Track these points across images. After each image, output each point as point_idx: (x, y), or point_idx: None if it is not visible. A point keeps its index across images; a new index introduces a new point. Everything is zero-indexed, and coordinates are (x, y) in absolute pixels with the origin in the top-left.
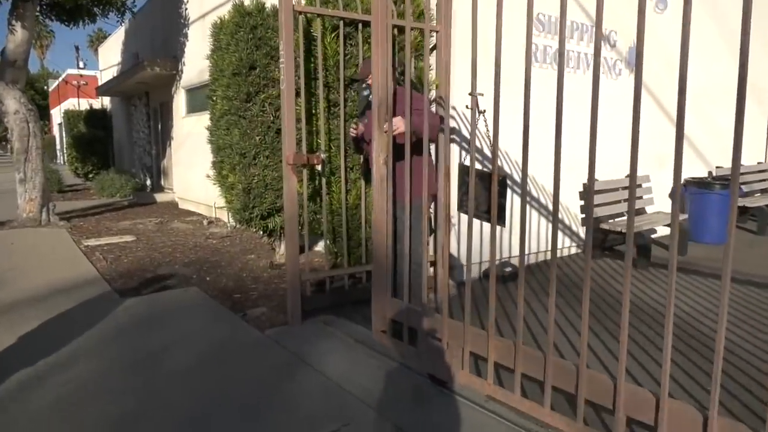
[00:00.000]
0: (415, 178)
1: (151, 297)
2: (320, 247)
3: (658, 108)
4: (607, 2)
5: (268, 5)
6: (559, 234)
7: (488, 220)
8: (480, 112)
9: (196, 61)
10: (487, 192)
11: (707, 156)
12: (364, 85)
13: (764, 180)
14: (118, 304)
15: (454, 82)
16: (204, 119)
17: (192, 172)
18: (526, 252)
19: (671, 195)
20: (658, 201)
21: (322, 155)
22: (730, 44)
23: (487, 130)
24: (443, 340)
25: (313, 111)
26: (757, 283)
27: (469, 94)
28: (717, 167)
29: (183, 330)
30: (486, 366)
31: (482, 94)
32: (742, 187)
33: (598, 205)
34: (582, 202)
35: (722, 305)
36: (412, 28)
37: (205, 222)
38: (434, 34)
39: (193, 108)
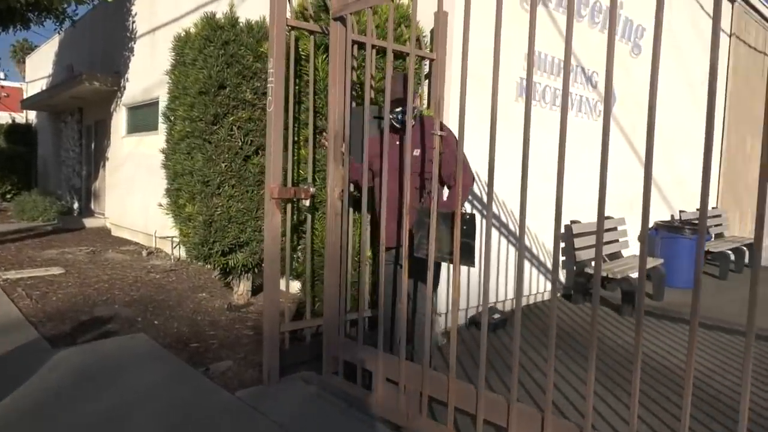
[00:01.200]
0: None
1: (91, 346)
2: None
3: (631, 150)
4: (591, 44)
5: (241, 20)
6: (540, 278)
7: (452, 261)
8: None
9: (142, 78)
10: (450, 232)
11: (671, 200)
12: (399, 108)
13: (719, 225)
14: (50, 355)
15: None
16: (148, 140)
17: (130, 197)
18: (508, 297)
19: (639, 238)
20: (633, 244)
21: (311, 189)
22: (694, 95)
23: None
24: (400, 383)
25: (295, 138)
26: (726, 329)
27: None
28: (680, 211)
29: (134, 392)
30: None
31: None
32: (708, 231)
33: (580, 249)
34: (563, 244)
35: (689, 353)
36: (403, 54)
37: (144, 253)
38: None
39: (135, 128)
